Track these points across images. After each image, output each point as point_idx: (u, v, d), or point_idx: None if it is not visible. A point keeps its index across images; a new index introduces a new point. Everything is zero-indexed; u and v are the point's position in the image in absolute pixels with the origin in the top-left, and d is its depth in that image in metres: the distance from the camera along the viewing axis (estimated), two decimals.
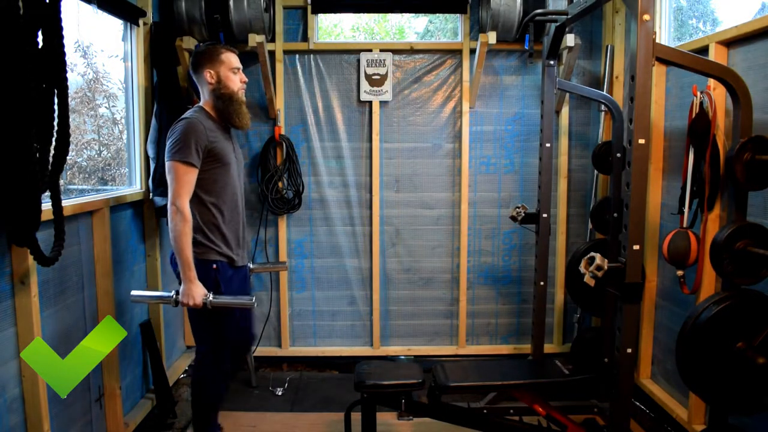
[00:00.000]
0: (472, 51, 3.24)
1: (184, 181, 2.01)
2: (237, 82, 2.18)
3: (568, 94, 3.22)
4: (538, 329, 2.84)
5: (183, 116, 2.09)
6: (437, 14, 3.63)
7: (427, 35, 3.97)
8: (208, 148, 2.07)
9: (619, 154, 2.55)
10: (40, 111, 1.57)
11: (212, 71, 2.15)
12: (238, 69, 2.20)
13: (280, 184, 3.24)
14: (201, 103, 2.21)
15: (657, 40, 1.79)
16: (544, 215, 2.76)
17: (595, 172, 3.20)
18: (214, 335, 2.23)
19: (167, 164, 2.03)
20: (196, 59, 2.18)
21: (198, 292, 2.03)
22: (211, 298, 2.05)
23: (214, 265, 2.13)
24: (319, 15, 3.32)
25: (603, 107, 3.17)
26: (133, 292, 2.23)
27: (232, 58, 2.18)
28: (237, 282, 2.25)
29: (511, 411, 2.59)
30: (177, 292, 2.08)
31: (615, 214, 2.55)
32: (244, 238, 2.29)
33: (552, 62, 2.68)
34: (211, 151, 2.08)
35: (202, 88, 2.20)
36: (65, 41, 1.60)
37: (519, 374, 2.44)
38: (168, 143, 2.04)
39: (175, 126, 2.06)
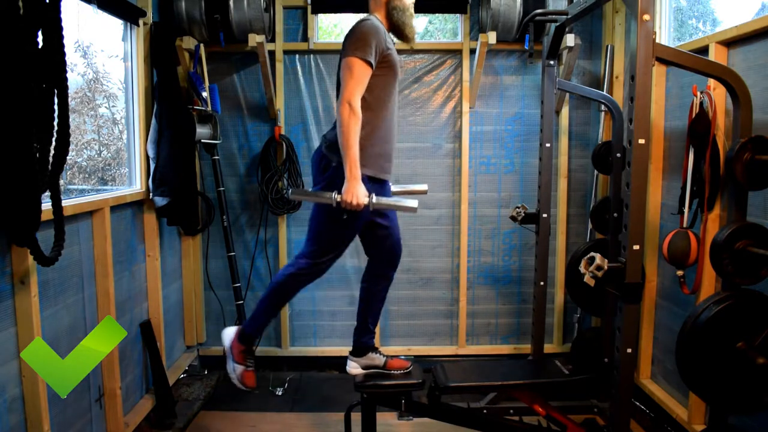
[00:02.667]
0: (472, 51, 3.24)
1: (359, 78, 1.97)
2: None
3: (568, 94, 3.22)
4: (538, 329, 2.84)
5: (364, 18, 2.07)
6: (437, 14, 3.63)
7: (427, 35, 3.96)
8: (384, 53, 2.05)
9: (619, 154, 2.55)
10: (40, 111, 1.57)
11: None
12: None
13: (280, 184, 3.24)
14: (372, 12, 2.18)
15: (657, 40, 1.79)
16: (544, 215, 2.76)
17: (595, 172, 3.20)
18: (339, 246, 2.18)
19: (345, 60, 1.99)
20: None
21: (362, 192, 1.97)
22: (374, 200, 1.98)
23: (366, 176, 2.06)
24: (319, 15, 3.32)
25: (603, 107, 3.17)
26: (292, 190, 2.16)
27: None
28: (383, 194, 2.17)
29: (511, 411, 2.59)
30: (338, 192, 1.99)
31: (615, 214, 2.55)
32: (391, 157, 2.22)
33: (552, 62, 2.68)
34: (386, 57, 2.06)
35: (375, 0, 2.18)
36: (65, 41, 1.60)
37: (519, 374, 2.44)
38: (348, 41, 2.02)
39: (357, 25, 2.03)
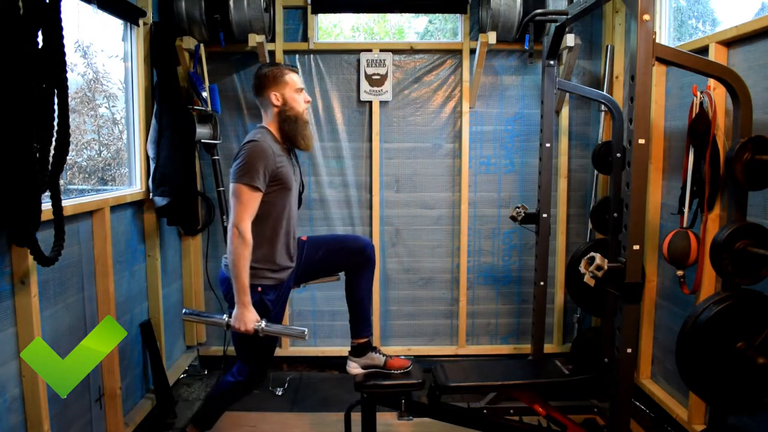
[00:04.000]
0: (472, 51, 3.24)
1: (248, 204, 1.98)
2: (302, 102, 2.16)
3: (568, 94, 3.22)
4: (538, 329, 2.84)
5: (251, 138, 2.05)
6: (437, 14, 3.63)
7: (427, 35, 3.96)
8: (275, 172, 2.04)
9: (619, 154, 2.55)
10: (40, 111, 1.57)
11: (278, 93, 2.12)
12: (302, 89, 2.18)
13: None
14: (264, 124, 2.17)
15: (657, 40, 1.79)
16: (544, 215, 2.76)
17: (595, 172, 3.20)
18: (260, 355, 2.23)
19: (232, 186, 2.00)
20: (260, 81, 2.14)
21: (250, 318, 1.99)
22: (263, 326, 2.01)
23: (259, 288, 2.09)
24: (319, 15, 3.32)
25: (603, 107, 3.17)
26: (185, 311, 2.21)
27: (296, 79, 2.16)
28: (282, 298, 2.23)
29: (511, 411, 2.59)
30: (229, 315, 2.04)
31: (615, 214, 2.55)
32: (294, 241, 2.25)
33: (552, 62, 2.68)
34: (277, 176, 2.06)
35: (266, 110, 2.17)
36: (65, 41, 1.60)
37: (519, 374, 2.44)
38: (235, 164, 2.01)
39: (244, 147, 2.03)
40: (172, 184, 2.74)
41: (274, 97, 2.12)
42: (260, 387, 3.15)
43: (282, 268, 2.16)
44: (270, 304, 2.13)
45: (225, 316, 2.05)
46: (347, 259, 2.30)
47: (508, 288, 3.48)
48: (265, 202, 2.05)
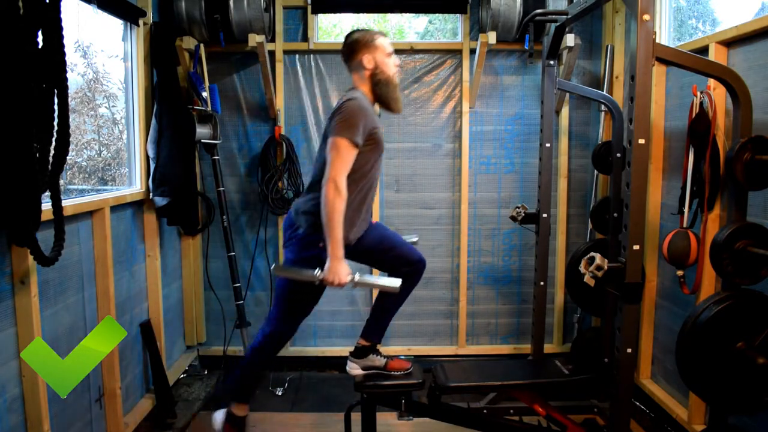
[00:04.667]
0: (472, 51, 3.24)
1: (346, 158, 1.99)
2: (392, 66, 2.18)
3: (568, 94, 3.22)
4: (538, 329, 2.84)
5: (349, 96, 2.07)
6: (437, 14, 3.63)
7: (427, 35, 3.96)
8: (371, 132, 2.06)
9: (619, 154, 2.55)
10: (40, 111, 1.57)
11: (369, 56, 2.14)
12: (392, 53, 2.20)
13: (280, 184, 3.24)
14: (357, 86, 2.19)
15: (657, 40, 1.79)
16: (544, 215, 2.76)
17: (595, 172, 3.20)
18: (299, 308, 2.24)
19: (332, 139, 1.99)
20: (351, 46, 2.17)
21: (345, 271, 1.99)
22: (356, 278, 2.00)
23: (321, 243, 2.07)
24: (319, 15, 3.32)
25: (603, 107, 3.17)
26: (275, 266, 2.19)
27: (386, 44, 2.18)
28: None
29: (511, 411, 2.59)
30: (321, 269, 2.02)
31: (615, 214, 2.55)
32: (371, 211, 2.26)
33: (552, 62, 2.68)
34: (373, 136, 2.07)
35: (359, 73, 2.18)
36: (65, 41, 1.60)
37: (519, 374, 2.44)
38: (336, 119, 2.01)
39: (344, 104, 2.04)
40: (172, 184, 2.74)
41: (366, 60, 2.14)
42: (260, 385, 3.15)
43: (358, 228, 2.16)
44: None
45: (318, 271, 2.02)
46: (397, 262, 2.28)
47: (508, 288, 3.48)
48: (358, 160, 2.05)
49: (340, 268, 1.99)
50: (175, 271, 3.23)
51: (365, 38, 2.16)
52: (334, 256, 1.98)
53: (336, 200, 1.96)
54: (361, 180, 2.11)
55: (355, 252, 2.23)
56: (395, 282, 2.02)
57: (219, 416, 2.35)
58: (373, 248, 2.27)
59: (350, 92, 2.13)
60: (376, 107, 2.22)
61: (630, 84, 1.75)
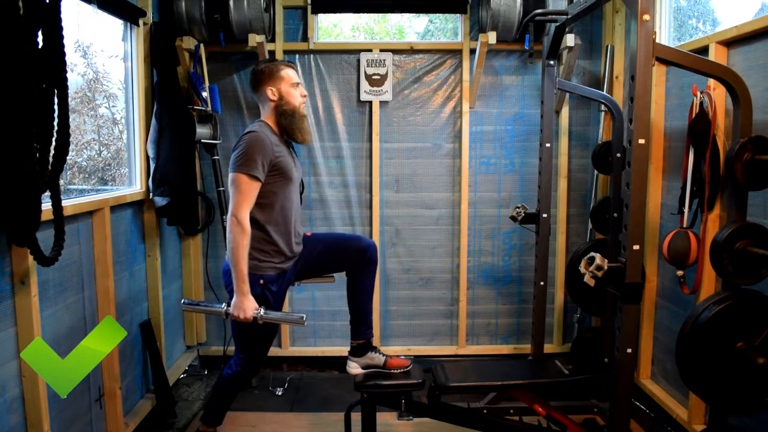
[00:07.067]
0: (472, 51, 3.24)
1: (246, 193, 2.01)
2: (298, 97, 2.19)
3: (568, 94, 3.22)
4: (538, 329, 2.84)
5: (249, 129, 2.09)
6: (437, 14, 3.63)
7: (427, 35, 3.96)
8: (273, 162, 2.07)
9: (619, 154, 2.55)
10: (40, 111, 1.57)
11: (273, 88, 2.16)
12: (298, 84, 2.21)
13: None
14: (262, 118, 2.21)
15: (657, 40, 1.79)
16: (544, 215, 2.76)
17: (595, 172, 3.20)
18: (257, 344, 2.26)
19: (231, 175, 2.03)
20: (256, 77, 2.18)
21: (249, 306, 2.01)
22: (262, 313, 2.03)
23: (261, 280, 2.12)
24: (319, 15, 3.32)
25: (603, 107, 3.17)
26: (184, 301, 2.22)
27: (291, 74, 2.19)
28: (282, 291, 2.25)
29: (511, 411, 2.59)
30: (228, 305, 2.06)
31: (615, 214, 2.55)
32: (298, 233, 2.27)
33: (552, 62, 2.68)
34: (276, 165, 2.09)
35: (263, 105, 2.21)
36: (65, 41, 1.60)
37: (519, 374, 2.44)
38: (234, 155, 2.04)
39: (242, 138, 2.06)
40: (172, 184, 2.74)
41: (270, 92, 2.16)
42: (260, 385, 3.16)
43: (285, 258, 2.18)
44: (271, 296, 2.15)
45: (224, 305, 2.07)
46: (349, 259, 2.30)
47: (508, 288, 3.48)
48: (266, 192, 2.07)
49: (246, 303, 2.01)
50: (175, 271, 3.23)
51: (270, 69, 2.17)
52: (240, 291, 2.01)
53: (238, 236, 1.98)
54: (278, 214, 2.14)
55: (304, 268, 2.28)
56: (300, 316, 2.04)
57: None
58: (318, 255, 2.31)
59: (251, 125, 2.15)
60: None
61: (630, 84, 1.75)
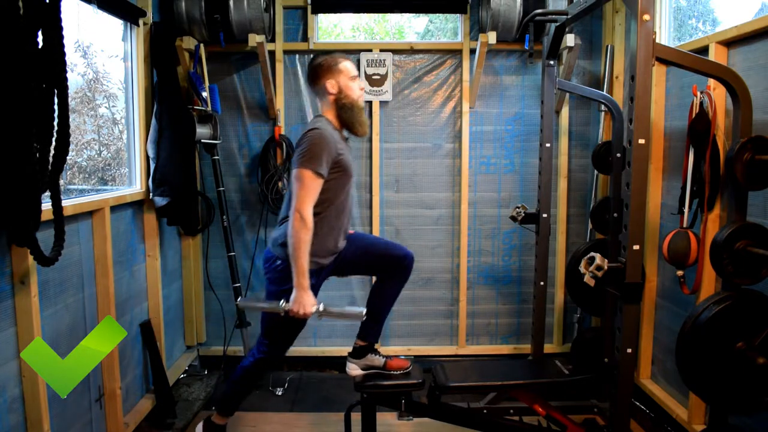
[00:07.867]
0: (472, 51, 3.24)
1: (310, 189, 2.01)
2: (357, 90, 2.20)
3: (568, 94, 3.22)
4: (538, 329, 2.84)
5: (312, 126, 2.08)
6: (437, 14, 3.63)
7: (427, 35, 3.97)
8: (336, 159, 2.08)
9: (619, 154, 2.55)
10: (40, 111, 1.57)
11: (333, 81, 2.16)
12: (356, 76, 2.21)
13: (279, 184, 3.24)
14: (322, 112, 2.21)
15: (657, 40, 1.79)
16: (544, 215, 2.76)
17: (595, 172, 3.20)
18: (286, 336, 2.27)
19: (295, 171, 2.02)
20: (315, 71, 2.19)
21: (309, 302, 2.02)
22: (321, 308, 2.03)
23: None
24: (319, 15, 3.32)
25: (603, 107, 3.17)
26: (240, 299, 2.20)
27: (350, 67, 2.20)
28: (319, 285, 2.25)
29: (511, 411, 2.59)
30: (286, 301, 2.05)
31: (615, 214, 2.55)
32: (347, 229, 2.27)
33: (552, 62, 2.68)
34: (338, 163, 2.09)
35: (322, 98, 2.21)
36: (65, 41, 1.60)
37: (519, 374, 2.44)
38: (298, 151, 2.04)
39: (306, 135, 2.06)
40: (172, 184, 2.74)
41: (330, 85, 2.16)
42: (260, 385, 3.15)
43: (328, 253, 2.18)
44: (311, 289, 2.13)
45: (282, 302, 2.05)
46: (386, 264, 2.29)
47: (508, 288, 3.48)
48: (326, 188, 2.08)
49: (306, 299, 2.01)
50: (175, 271, 3.23)
51: (328, 62, 2.18)
52: (300, 287, 2.01)
53: (301, 231, 1.98)
54: (335, 210, 2.14)
55: (341, 264, 2.27)
56: (360, 310, 2.04)
57: (199, 428, 2.44)
58: (361, 257, 2.30)
59: (314, 120, 2.15)
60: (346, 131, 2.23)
61: (630, 84, 1.75)
